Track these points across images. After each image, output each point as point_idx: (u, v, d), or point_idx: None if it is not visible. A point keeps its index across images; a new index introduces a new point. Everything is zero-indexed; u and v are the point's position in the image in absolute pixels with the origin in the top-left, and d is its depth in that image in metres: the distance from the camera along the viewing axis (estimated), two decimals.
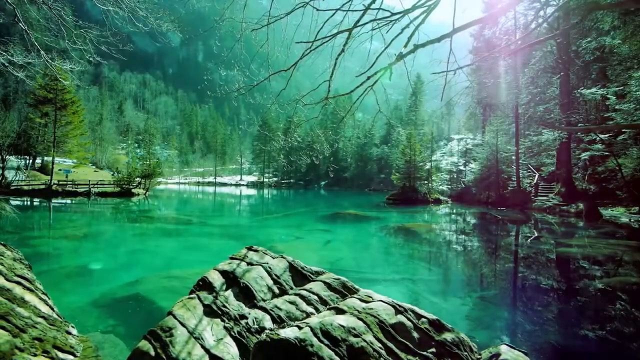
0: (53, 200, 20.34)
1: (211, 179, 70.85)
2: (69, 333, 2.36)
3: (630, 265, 6.88)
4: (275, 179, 65.19)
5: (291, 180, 61.44)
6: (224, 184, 63.01)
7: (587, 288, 5.42)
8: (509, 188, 21.64)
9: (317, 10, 2.88)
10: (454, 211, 19.39)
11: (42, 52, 6.36)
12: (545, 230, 12.05)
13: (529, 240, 9.81)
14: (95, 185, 25.53)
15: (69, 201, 20.53)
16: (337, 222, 13.87)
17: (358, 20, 2.88)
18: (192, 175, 76.08)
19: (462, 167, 29.38)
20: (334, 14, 2.95)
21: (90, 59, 6.64)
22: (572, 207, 15.85)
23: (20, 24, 5.86)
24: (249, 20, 3.85)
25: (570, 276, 6.33)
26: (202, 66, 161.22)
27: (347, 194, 38.81)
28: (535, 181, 21.37)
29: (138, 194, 25.59)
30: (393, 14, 2.75)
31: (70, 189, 24.43)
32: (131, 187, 25.69)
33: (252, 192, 42.79)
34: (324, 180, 57.76)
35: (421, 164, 26.07)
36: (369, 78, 3.24)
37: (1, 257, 2.43)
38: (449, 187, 28.09)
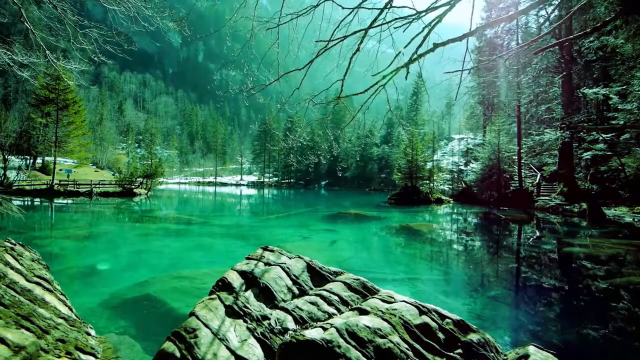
0: (55, 200, 20.30)
1: (211, 178, 70.86)
2: (88, 334, 2.35)
3: (633, 265, 6.87)
4: (275, 178, 65.23)
5: (291, 180, 61.45)
6: (224, 184, 62.97)
7: (599, 288, 5.42)
8: (511, 188, 21.63)
9: (342, 8, 2.86)
10: (457, 211, 19.38)
11: (47, 51, 6.35)
12: (549, 230, 12.04)
13: (533, 240, 9.80)
14: (97, 185, 25.50)
15: (70, 201, 20.49)
16: (340, 222, 13.86)
17: (375, 19, 2.86)
18: (192, 175, 76.10)
19: (463, 167, 29.38)
20: (351, 12, 2.93)
21: (95, 58, 6.62)
22: (575, 206, 15.85)
23: (25, 24, 5.85)
24: (258, 20, 3.84)
25: (580, 277, 6.32)
26: (202, 66, 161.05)
27: (347, 193, 38.78)
28: (537, 181, 21.36)
29: (140, 194, 25.57)
30: (418, 12, 2.73)
31: (72, 189, 24.39)
32: (133, 187, 25.67)
33: (253, 192, 42.74)
34: (325, 180, 57.79)
35: (423, 163, 26.06)
36: (384, 77, 3.23)
37: (20, 257, 2.41)
38: (450, 187, 28.10)
